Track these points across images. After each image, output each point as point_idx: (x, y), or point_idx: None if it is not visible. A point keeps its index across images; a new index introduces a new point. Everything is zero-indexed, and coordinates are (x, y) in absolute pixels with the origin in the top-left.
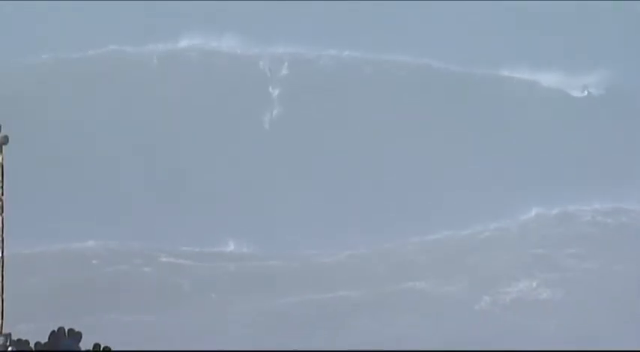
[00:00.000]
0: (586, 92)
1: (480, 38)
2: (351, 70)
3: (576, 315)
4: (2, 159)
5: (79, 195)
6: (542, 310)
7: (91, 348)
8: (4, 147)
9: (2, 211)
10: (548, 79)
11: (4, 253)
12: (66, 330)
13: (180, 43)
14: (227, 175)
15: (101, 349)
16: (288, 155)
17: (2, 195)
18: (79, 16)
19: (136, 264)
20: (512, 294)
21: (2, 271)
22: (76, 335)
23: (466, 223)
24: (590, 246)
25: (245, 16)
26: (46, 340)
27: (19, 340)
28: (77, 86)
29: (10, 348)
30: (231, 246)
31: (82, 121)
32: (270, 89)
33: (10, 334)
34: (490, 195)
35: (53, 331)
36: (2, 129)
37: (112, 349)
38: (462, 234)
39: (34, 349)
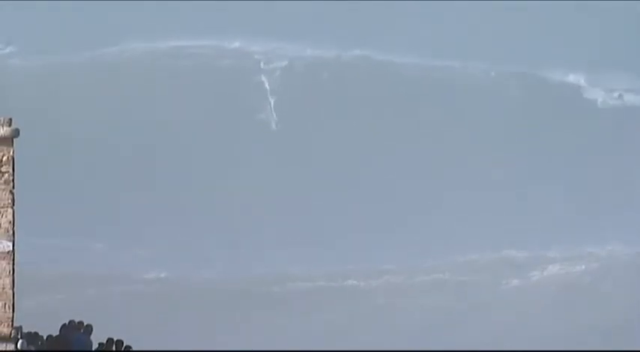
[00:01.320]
0: (617, 95)
1: (480, 37)
2: (351, 69)
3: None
4: (13, 152)
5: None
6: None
7: (104, 342)
8: (15, 140)
9: (13, 204)
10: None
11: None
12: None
13: (180, 43)
14: (224, 181)
15: (114, 343)
16: (287, 158)
17: (13, 188)
18: (79, 17)
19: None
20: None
21: (13, 264)
22: (86, 328)
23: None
24: None
25: (247, 16)
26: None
27: (29, 333)
28: (78, 86)
29: (20, 341)
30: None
31: (82, 121)
32: (269, 95)
33: (21, 327)
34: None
35: (64, 324)
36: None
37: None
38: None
39: (45, 342)
